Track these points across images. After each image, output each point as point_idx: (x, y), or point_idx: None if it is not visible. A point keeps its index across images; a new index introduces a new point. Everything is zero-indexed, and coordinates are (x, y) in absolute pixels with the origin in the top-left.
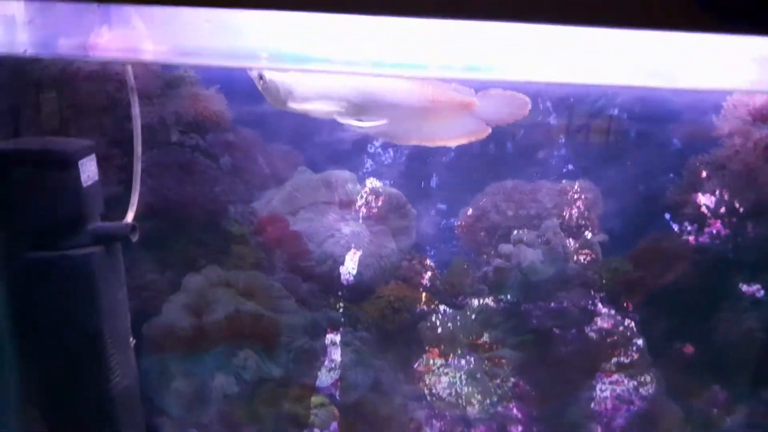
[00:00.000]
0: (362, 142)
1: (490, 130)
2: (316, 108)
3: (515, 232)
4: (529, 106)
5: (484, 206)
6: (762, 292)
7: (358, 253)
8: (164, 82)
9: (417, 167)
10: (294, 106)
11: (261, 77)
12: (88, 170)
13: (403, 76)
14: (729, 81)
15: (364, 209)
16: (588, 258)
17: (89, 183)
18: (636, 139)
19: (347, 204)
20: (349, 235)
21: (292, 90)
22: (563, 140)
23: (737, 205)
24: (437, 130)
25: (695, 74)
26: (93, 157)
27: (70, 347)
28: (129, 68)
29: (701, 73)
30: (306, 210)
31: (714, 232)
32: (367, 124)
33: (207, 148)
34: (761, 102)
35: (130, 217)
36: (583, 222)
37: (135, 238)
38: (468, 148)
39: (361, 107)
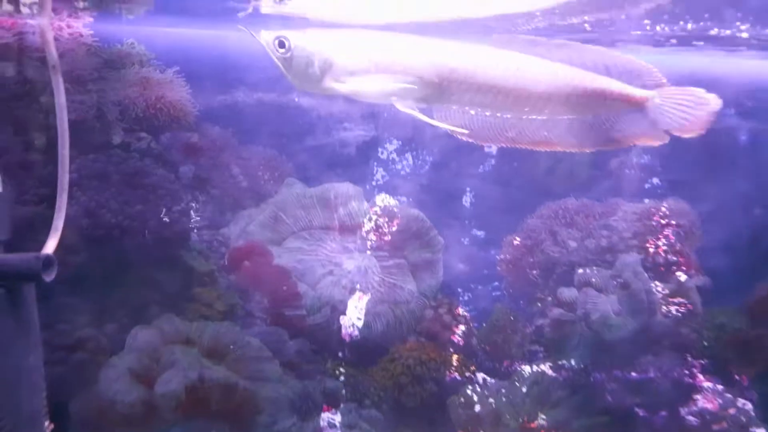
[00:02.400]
0: (371, 144)
1: (667, 138)
2: (372, 88)
3: (580, 270)
4: (715, 110)
5: (537, 234)
6: None
7: (365, 298)
8: (103, 60)
9: (445, 179)
10: (334, 85)
11: (282, 43)
12: None
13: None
14: None
15: (373, 236)
16: (683, 309)
17: None
18: (748, 143)
19: (351, 229)
20: (352, 271)
21: (333, 61)
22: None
23: None
24: (580, 130)
25: None
26: None
27: None
28: (49, 34)
29: None
30: (295, 237)
31: None
32: (447, 126)
33: (162, 153)
34: None
35: (50, 246)
36: (675, 258)
37: (51, 276)
38: (513, 154)
39: (443, 90)
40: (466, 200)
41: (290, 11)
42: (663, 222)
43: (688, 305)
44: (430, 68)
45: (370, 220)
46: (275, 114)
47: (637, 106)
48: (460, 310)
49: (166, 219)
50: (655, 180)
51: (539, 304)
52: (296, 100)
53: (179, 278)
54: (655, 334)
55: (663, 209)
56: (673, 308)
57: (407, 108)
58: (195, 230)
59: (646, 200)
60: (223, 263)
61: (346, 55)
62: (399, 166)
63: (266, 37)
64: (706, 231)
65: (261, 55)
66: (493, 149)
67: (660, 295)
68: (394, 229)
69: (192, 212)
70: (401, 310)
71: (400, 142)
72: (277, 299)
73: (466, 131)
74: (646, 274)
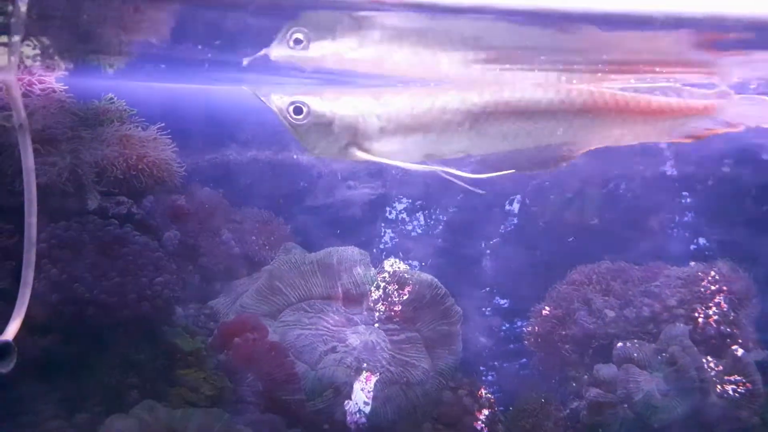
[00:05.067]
0: (378, 203)
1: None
2: (401, 152)
3: (620, 344)
4: None
5: (568, 302)
6: None
7: (374, 379)
8: (79, 118)
9: (462, 240)
10: (357, 153)
11: (299, 110)
12: None
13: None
14: None
15: (381, 307)
16: (741, 388)
17: None
18: None
19: (356, 299)
20: (358, 348)
21: (357, 127)
22: (689, 197)
23: None
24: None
25: None
26: None
27: None
28: (15, 90)
29: None
30: (293, 309)
31: None
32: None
33: (143, 219)
34: None
35: (10, 332)
36: (729, 329)
37: (8, 366)
38: (539, 212)
39: (484, 121)
40: (487, 264)
41: (306, 56)
42: (713, 288)
43: (747, 384)
44: (464, 119)
45: (377, 288)
46: (271, 173)
47: (706, 114)
48: (483, 392)
49: (147, 292)
50: (702, 240)
51: (574, 384)
52: (294, 157)
53: (161, 359)
54: (710, 417)
55: (712, 273)
56: (729, 387)
57: (445, 170)
58: (180, 304)
59: (692, 263)
60: (211, 341)
61: (371, 119)
62: (410, 227)
63: (279, 103)
64: (762, 298)
65: (257, 109)
66: (515, 207)
67: (713, 373)
68: (405, 298)
69: (177, 284)
70: (415, 393)
71: (410, 201)
72: (272, 381)
73: (512, 171)
74: (695, 348)
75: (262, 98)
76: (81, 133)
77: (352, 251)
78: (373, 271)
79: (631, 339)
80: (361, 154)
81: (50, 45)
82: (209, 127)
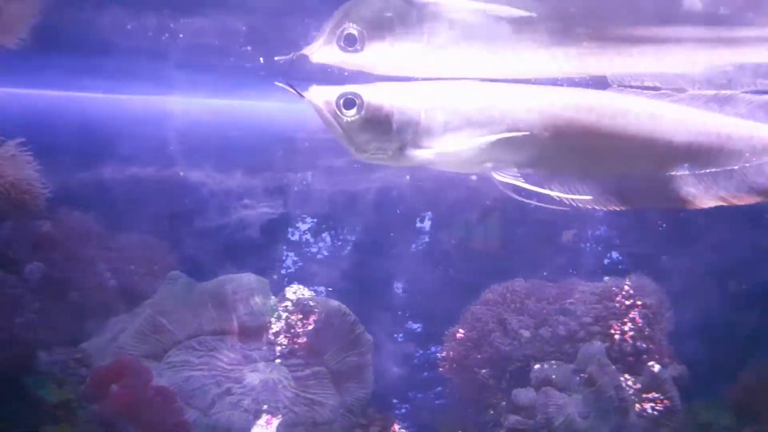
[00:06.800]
0: (279, 223)
1: None
2: (466, 151)
3: (537, 366)
4: None
5: (483, 323)
6: None
7: (275, 422)
8: None
9: (371, 262)
10: (417, 153)
11: (351, 102)
12: None
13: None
14: None
15: (283, 339)
16: (659, 406)
17: None
18: (718, 208)
19: (254, 332)
20: (257, 388)
21: (420, 121)
22: (601, 211)
23: None
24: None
25: None
26: None
27: None
28: None
29: None
30: (181, 348)
31: None
32: (566, 196)
33: (0, 249)
34: None
35: None
36: (644, 345)
37: None
38: (450, 229)
39: (557, 148)
40: (398, 286)
41: (356, 60)
42: (627, 303)
43: (665, 401)
44: (538, 120)
45: (278, 318)
46: (154, 192)
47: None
48: (397, 427)
49: (3, 336)
50: (615, 254)
51: (492, 412)
52: (181, 174)
53: (22, 415)
54: None
55: (626, 288)
56: (648, 406)
57: (508, 177)
58: (44, 348)
59: (606, 278)
60: (83, 389)
61: (435, 113)
62: (315, 249)
63: (324, 96)
64: (677, 310)
65: (138, 119)
66: (426, 224)
67: (632, 391)
68: (310, 328)
69: (41, 325)
70: None
71: (315, 221)
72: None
73: (589, 197)
74: (613, 367)
75: (299, 93)
76: None
77: (248, 279)
78: (273, 299)
79: (549, 360)
80: (422, 153)
81: None
82: (82, 142)
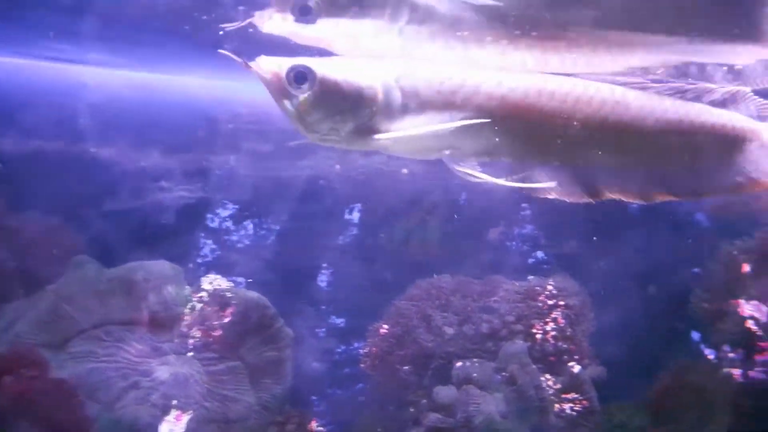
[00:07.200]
0: (197, 208)
1: None
2: (425, 134)
3: (459, 363)
4: None
5: (407, 319)
6: None
7: (185, 418)
8: None
9: (295, 253)
10: (373, 135)
11: (302, 76)
12: None
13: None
14: None
15: (197, 332)
16: (578, 406)
17: None
18: (641, 212)
19: (165, 323)
20: (167, 382)
21: (378, 99)
22: (528, 209)
23: None
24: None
25: None
26: None
27: None
28: None
29: None
30: (85, 338)
31: None
32: (528, 186)
33: None
34: None
35: None
36: (566, 345)
37: None
38: (379, 222)
39: (519, 133)
40: (322, 279)
41: (309, 33)
42: (550, 303)
43: (584, 401)
44: (500, 107)
45: (192, 309)
46: (61, 168)
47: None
48: (314, 425)
49: None
50: (540, 254)
51: (412, 409)
52: (92, 150)
53: None
54: None
55: (549, 288)
56: (567, 406)
57: (465, 167)
58: None
59: (531, 277)
60: None
61: (394, 94)
62: (235, 238)
63: (272, 67)
64: (598, 311)
65: (47, 89)
66: (354, 216)
67: (551, 391)
68: (226, 320)
69: None
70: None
71: (236, 207)
72: (54, 428)
73: (552, 184)
74: (534, 366)
75: (245, 63)
76: None
77: (161, 266)
78: (187, 289)
79: (471, 358)
80: (379, 136)
81: None
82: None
